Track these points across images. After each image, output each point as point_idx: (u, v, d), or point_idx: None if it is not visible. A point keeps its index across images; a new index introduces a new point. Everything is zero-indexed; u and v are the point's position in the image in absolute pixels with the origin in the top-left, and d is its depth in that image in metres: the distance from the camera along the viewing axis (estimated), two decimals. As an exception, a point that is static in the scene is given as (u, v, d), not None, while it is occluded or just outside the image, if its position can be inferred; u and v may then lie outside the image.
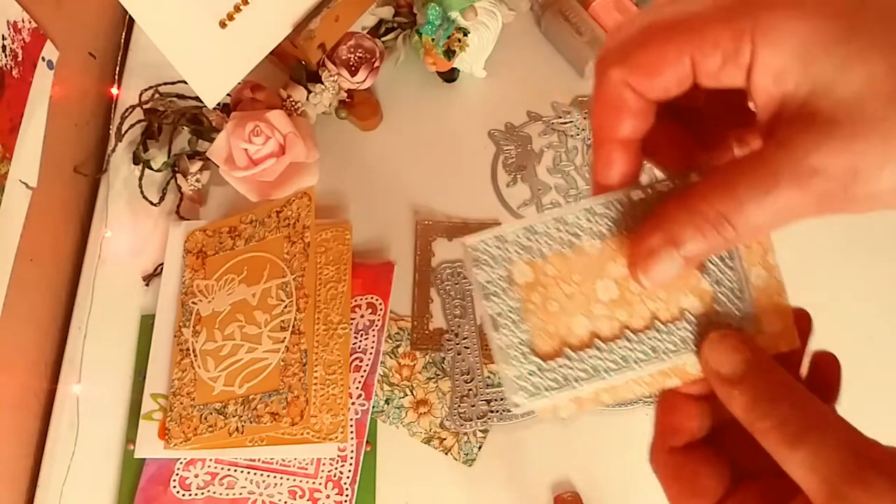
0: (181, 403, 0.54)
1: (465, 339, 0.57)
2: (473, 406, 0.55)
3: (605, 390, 0.27)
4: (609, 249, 0.26)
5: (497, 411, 0.54)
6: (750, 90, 0.20)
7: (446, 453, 0.54)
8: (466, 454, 0.54)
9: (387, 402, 0.55)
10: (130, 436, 0.55)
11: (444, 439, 0.54)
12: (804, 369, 0.26)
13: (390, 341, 0.57)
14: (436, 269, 0.59)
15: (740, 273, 0.26)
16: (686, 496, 0.25)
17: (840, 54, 0.17)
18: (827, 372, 0.25)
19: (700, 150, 0.25)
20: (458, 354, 0.56)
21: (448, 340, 0.56)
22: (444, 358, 0.56)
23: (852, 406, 0.25)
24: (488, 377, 0.56)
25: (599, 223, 0.26)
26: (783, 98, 0.19)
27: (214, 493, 0.53)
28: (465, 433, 0.54)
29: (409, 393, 0.56)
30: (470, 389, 0.55)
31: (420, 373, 0.56)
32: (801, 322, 0.25)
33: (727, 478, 0.24)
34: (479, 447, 0.54)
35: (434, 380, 0.56)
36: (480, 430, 0.54)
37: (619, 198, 0.26)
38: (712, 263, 0.26)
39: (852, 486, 0.19)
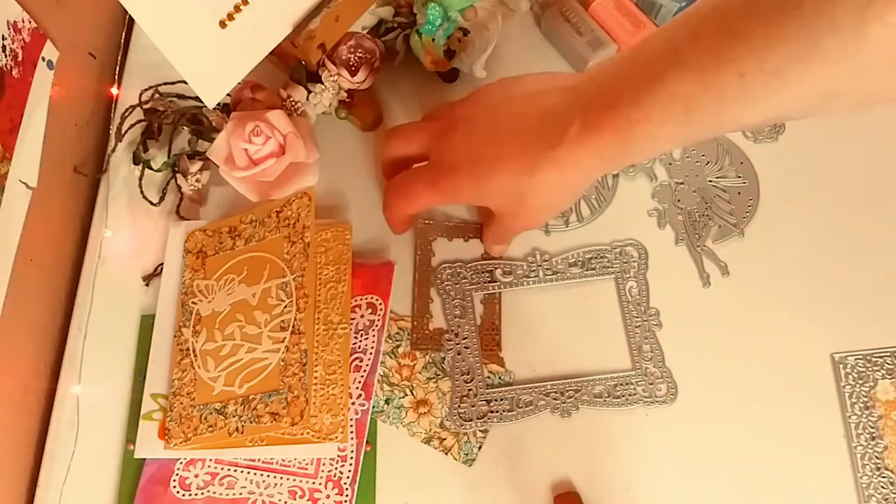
0: (181, 403, 0.54)
1: (465, 339, 0.57)
2: (473, 406, 0.55)
3: None
4: None
5: (497, 411, 0.54)
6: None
7: (446, 453, 0.54)
8: (466, 454, 0.54)
9: (387, 402, 0.55)
10: (130, 436, 0.55)
11: (444, 439, 0.54)
12: None
13: (390, 341, 0.57)
14: (436, 269, 0.59)
15: None
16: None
17: (483, 192, 0.48)
18: None
19: None
20: (458, 354, 0.56)
21: (448, 340, 0.57)
22: (444, 358, 0.56)
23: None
24: (488, 377, 0.56)
25: None
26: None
27: (214, 493, 0.53)
28: (465, 433, 0.54)
29: (409, 393, 0.56)
30: (470, 389, 0.55)
31: (420, 373, 0.56)
32: None
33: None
34: (479, 447, 0.54)
35: (434, 380, 0.56)
36: (480, 430, 0.54)
37: None
38: None
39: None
